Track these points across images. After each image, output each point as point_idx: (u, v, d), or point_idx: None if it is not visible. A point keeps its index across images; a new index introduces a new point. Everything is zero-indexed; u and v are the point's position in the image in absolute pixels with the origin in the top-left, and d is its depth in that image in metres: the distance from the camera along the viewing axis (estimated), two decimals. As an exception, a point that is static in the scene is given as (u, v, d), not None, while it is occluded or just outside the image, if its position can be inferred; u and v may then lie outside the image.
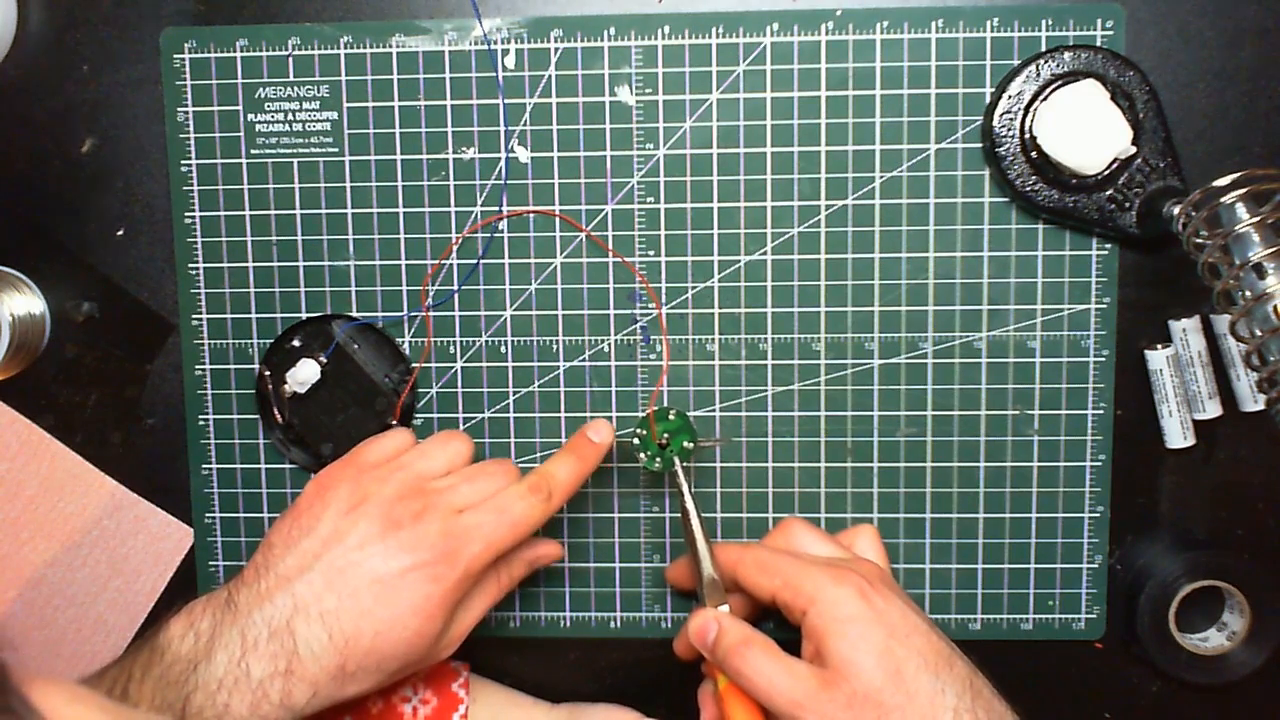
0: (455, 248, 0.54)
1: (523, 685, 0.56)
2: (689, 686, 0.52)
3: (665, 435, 0.52)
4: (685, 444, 0.52)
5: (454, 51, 0.53)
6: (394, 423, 0.54)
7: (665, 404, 0.54)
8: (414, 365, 0.55)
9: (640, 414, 0.54)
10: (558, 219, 0.54)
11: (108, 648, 0.57)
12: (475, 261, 0.55)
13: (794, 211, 0.54)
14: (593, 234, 0.54)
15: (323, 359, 0.54)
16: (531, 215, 0.54)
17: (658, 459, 0.52)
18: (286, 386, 0.54)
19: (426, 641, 0.44)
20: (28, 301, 0.55)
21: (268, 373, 0.55)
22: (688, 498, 0.50)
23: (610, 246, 0.54)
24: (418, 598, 0.43)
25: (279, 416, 0.55)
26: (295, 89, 0.54)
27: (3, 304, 0.53)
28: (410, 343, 0.55)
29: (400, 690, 0.52)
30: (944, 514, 0.55)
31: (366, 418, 0.55)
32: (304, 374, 0.54)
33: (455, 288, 0.55)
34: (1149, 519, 0.55)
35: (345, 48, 0.54)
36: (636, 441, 0.52)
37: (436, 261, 0.55)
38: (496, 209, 0.54)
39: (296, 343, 0.55)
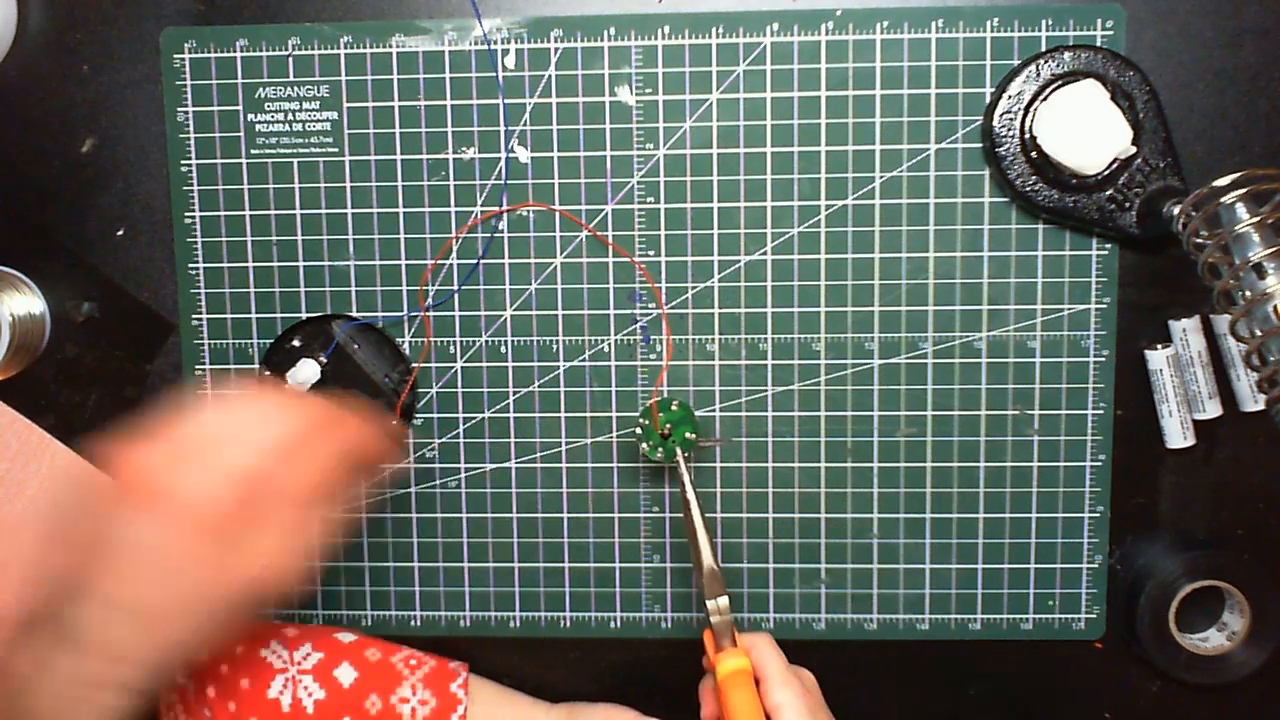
0: (455, 246, 0.54)
1: (523, 685, 0.56)
2: (688, 685, 0.52)
3: (668, 425, 0.52)
4: (688, 435, 0.52)
5: (454, 51, 0.53)
6: (395, 423, 0.54)
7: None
8: (414, 365, 0.55)
9: (640, 409, 0.54)
10: (557, 215, 0.54)
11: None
12: (475, 261, 0.55)
13: (794, 211, 0.54)
14: (597, 234, 0.54)
15: (323, 359, 0.54)
16: (531, 215, 0.54)
17: (660, 449, 0.52)
18: (286, 386, 0.54)
19: None
20: (28, 301, 0.55)
21: (267, 373, 0.55)
22: (689, 488, 0.50)
23: (611, 245, 0.54)
24: None
25: None
26: (295, 89, 0.54)
27: (3, 304, 0.53)
28: (410, 342, 0.55)
29: (399, 691, 0.52)
30: (944, 514, 0.55)
31: None
32: (304, 374, 0.54)
33: (455, 288, 0.55)
34: (1149, 519, 0.55)
35: (345, 48, 0.54)
36: (639, 431, 0.52)
37: (434, 261, 0.55)
38: (496, 208, 0.54)
39: (296, 342, 0.55)
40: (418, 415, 0.56)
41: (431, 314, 0.55)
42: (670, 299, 0.54)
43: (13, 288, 0.54)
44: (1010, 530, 0.55)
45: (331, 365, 0.54)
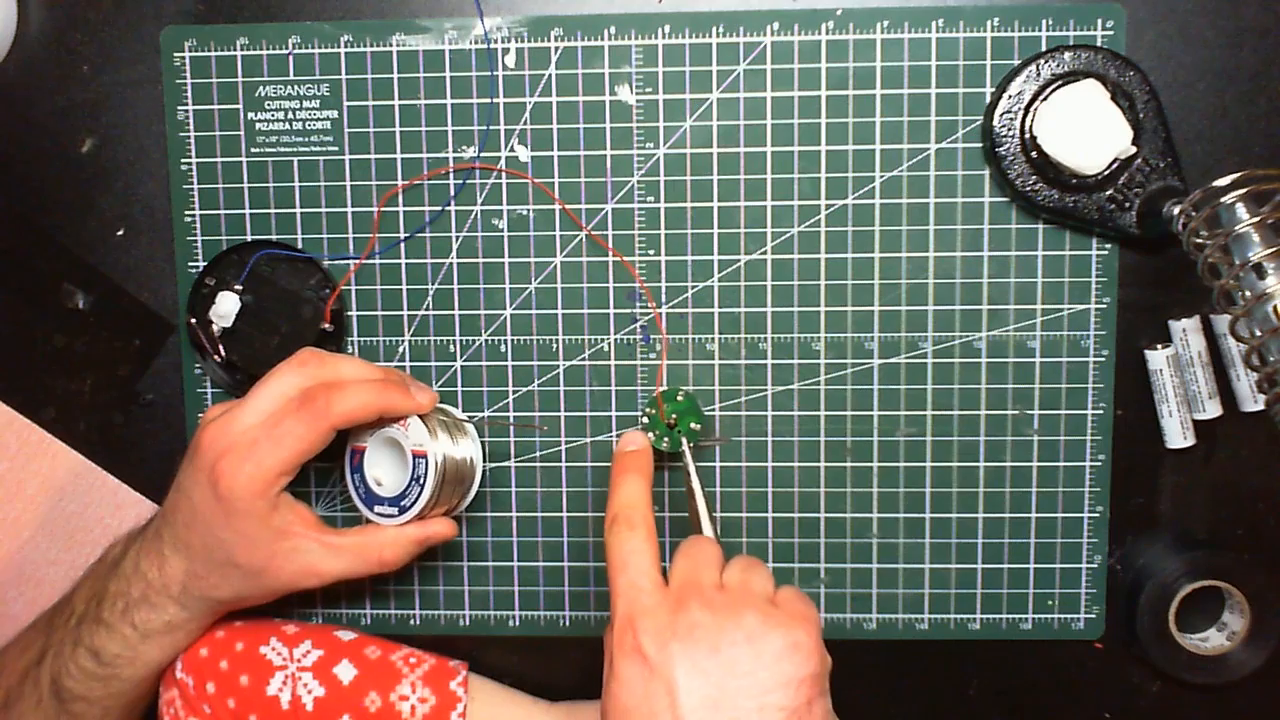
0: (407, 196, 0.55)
1: (523, 685, 0.56)
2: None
3: (673, 415, 0.52)
4: (693, 425, 0.52)
5: (454, 50, 0.54)
6: (327, 326, 0.54)
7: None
8: (325, 259, 0.54)
9: (641, 406, 0.54)
10: (557, 214, 0.54)
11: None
12: (442, 207, 0.55)
13: (794, 211, 0.54)
14: (593, 233, 0.54)
15: (238, 286, 0.54)
16: (532, 214, 0.54)
17: (665, 439, 0.52)
18: (213, 325, 0.53)
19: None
20: (463, 448, 0.52)
21: (193, 320, 0.54)
22: (694, 479, 0.50)
23: (610, 245, 0.54)
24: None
25: (217, 356, 0.54)
26: (295, 87, 0.54)
27: (437, 444, 0.50)
28: (410, 341, 0.55)
29: (398, 688, 0.52)
30: (944, 514, 0.55)
31: (300, 330, 0.54)
32: (224, 307, 0.53)
33: (400, 237, 0.55)
34: (1149, 519, 0.55)
35: (345, 46, 0.54)
36: (645, 421, 0.53)
37: (379, 208, 0.55)
38: (496, 207, 0.54)
39: (210, 282, 0.54)
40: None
41: (378, 261, 0.55)
42: (670, 298, 0.54)
43: (457, 431, 0.52)
44: (1010, 530, 0.55)
45: (252, 293, 0.54)
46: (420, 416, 0.50)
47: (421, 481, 0.49)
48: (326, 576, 0.49)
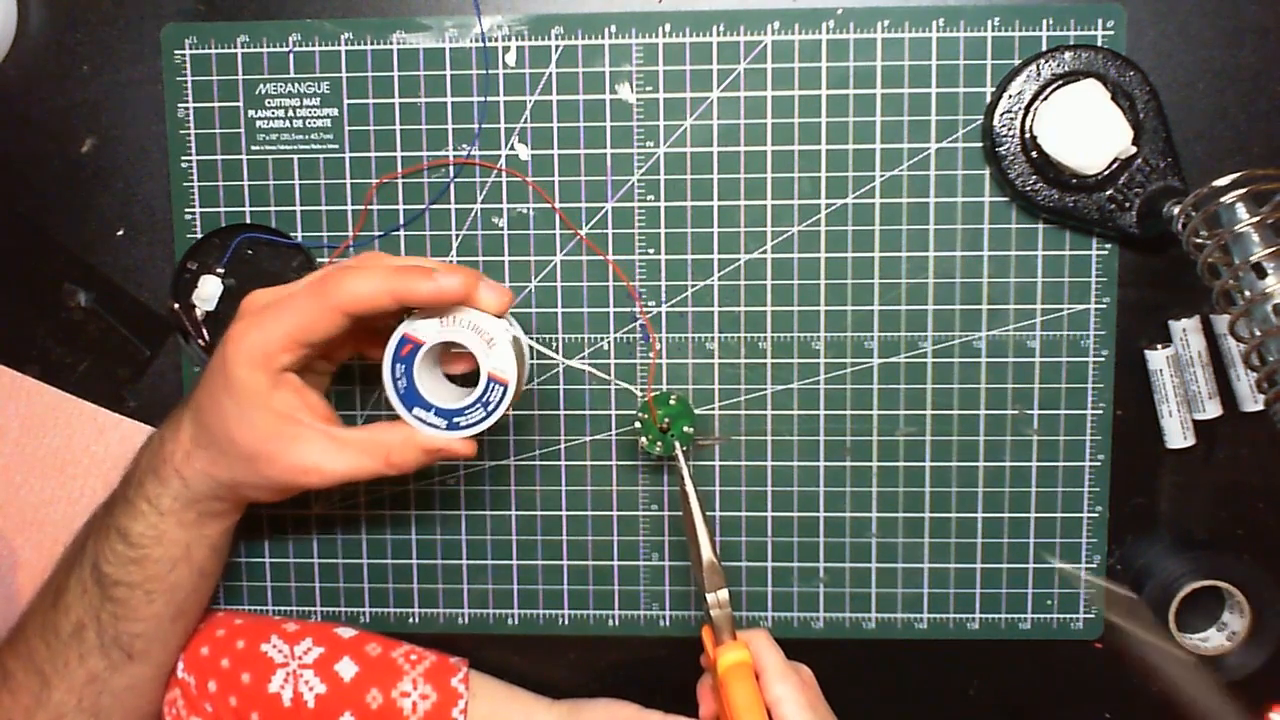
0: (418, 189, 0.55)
1: (522, 683, 0.56)
2: (687, 683, 0.52)
3: (666, 419, 0.52)
4: (685, 428, 0.52)
5: (454, 49, 0.54)
6: None
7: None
8: (323, 245, 0.54)
9: (639, 404, 0.54)
10: (557, 215, 0.54)
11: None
12: (422, 209, 0.55)
13: (794, 210, 0.54)
14: (592, 233, 0.54)
15: (219, 270, 0.54)
16: (532, 213, 0.54)
17: (659, 443, 0.52)
18: (197, 310, 0.54)
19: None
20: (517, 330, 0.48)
21: (176, 305, 0.54)
22: (688, 481, 0.50)
23: (610, 245, 0.54)
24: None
25: (201, 340, 0.54)
26: (296, 85, 0.54)
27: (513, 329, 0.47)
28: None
29: (399, 685, 0.52)
30: (943, 513, 0.55)
31: None
32: (207, 290, 0.54)
33: (381, 233, 0.55)
34: (1149, 519, 0.55)
35: (346, 44, 0.54)
36: (638, 425, 0.52)
37: (365, 207, 0.55)
38: (497, 205, 0.54)
39: (192, 266, 0.54)
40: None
41: (352, 240, 0.54)
42: (670, 297, 0.54)
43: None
44: (1009, 530, 0.55)
45: (234, 278, 0.54)
46: (514, 338, 0.45)
47: (490, 409, 0.45)
48: (329, 474, 0.45)
